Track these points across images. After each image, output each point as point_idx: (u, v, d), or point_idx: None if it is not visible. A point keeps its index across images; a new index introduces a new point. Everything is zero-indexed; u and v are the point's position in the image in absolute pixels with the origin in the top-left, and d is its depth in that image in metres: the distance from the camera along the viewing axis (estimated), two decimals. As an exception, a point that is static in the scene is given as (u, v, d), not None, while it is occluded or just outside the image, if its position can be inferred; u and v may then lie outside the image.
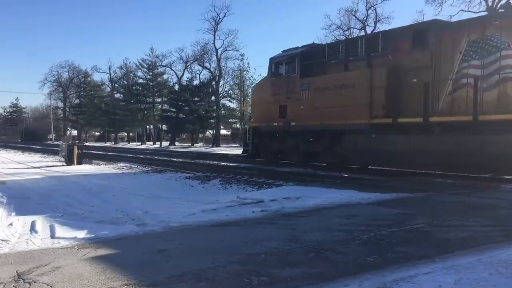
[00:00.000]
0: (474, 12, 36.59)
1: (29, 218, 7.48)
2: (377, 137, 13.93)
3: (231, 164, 18.79)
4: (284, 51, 18.30)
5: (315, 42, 16.29)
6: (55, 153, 28.16)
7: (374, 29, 42.71)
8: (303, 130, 16.58)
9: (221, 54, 55.76)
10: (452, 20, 21.77)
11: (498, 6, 34.73)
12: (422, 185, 11.00)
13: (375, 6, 43.27)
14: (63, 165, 21.23)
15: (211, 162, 21.13)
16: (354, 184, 11.39)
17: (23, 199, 10.37)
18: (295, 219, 6.91)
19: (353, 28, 45.35)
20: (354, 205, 8.05)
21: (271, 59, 18.56)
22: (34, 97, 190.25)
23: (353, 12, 44.71)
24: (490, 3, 35.41)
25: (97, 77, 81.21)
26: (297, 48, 17.91)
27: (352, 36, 41.84)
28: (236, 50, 55.36)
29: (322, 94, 15.63)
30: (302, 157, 17.05)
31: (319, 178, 13.39)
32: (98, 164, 22.20)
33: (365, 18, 44.19)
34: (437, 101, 12.48)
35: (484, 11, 36.39)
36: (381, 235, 5.53)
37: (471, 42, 11.84)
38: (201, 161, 22.03)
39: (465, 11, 36.88)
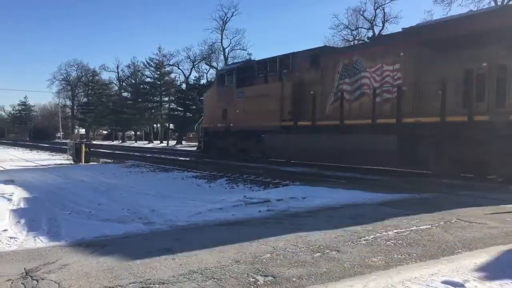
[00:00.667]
0: (483, 12, 36.37)
1: (36, 217, 7.54)
2: (284, 136, 17.88)
3: (238, 163, 18.87)
4: (227, 65, 23.01)
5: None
6: (63, 151, 28.35)
7: (382, 29, 42.64)
8: (238, 130, 20.68)
9: (228, 53, 56.07)
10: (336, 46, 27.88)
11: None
12: (429, 186, 10.95)
13: (383, 6, 43.23)
14: (71, 163, 21.37)
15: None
16: (360, 184, 11.39)
17: (30, 197, 10.45)
18: (302, 219, 6.92)
19: (361, 27, 45.29)
20: (360, 205, 8.05)
21: (216, 71, 24.15)
22: (43, 95, 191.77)
23: (361, 12, 44.69)
24: (499, 3, 35.24)
25: (105, 76, 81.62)
26: (236, 63, 22.74)
27: (358, 37, 41.80)
28: (244, 49, 55.74)
29: (251, 102, 19.73)
30: (239, 151, 21.13)
31: (326, 178, 13.39)
32: (105, 162, 22.32)
33: (373, 18, 44.14)
34: (324, 109, 16.41)
35: (493, 11, 36.19)
36: (387, 236, 5.53)
37: (344, 65, 15.83)
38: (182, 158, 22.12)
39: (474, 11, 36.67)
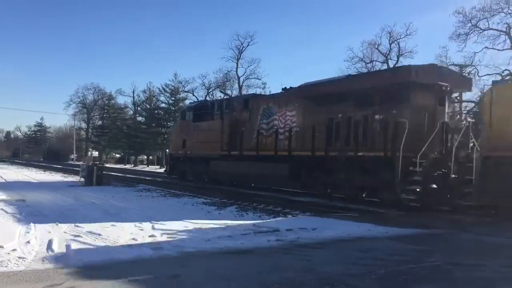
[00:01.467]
0: (498, 50, 36.57)
1: (46, 237, 7.56)
2: (223, 162, 22.09)
3: (246, 191, 18.96)
4: (190, 103, 29.83)
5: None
6: (76, 173, 28.52)
7: (396, 62, 42.83)
8: (193, 156, 25.02)
9: (243, 82, 56.55)
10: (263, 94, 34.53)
11: None
12: (440, 221, 10.80)
13: (398, 40, 43.49)
14: (82, 185, 21.48)
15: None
16: (371, 217, 11.26)
17: (41, 217, 10.49)
18: (311, 250, 6.84)
19: (376, 61, 45.55)
20: (370, 239, 7.94)
21: (180, 108, 30.44)
22: (59, 117, 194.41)
23: (376, 46, 44.97)
24: (508, 43, 35.34)
25: (120, 100, 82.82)
26: (194, 102, 29.83)
27: (373, 70, 41.99)
28: (258, 79, 56.17)
29: (202, 134, 24.18)
30: (194, 175, 25.45)
31: (336, 210, 13.27)
32: (117, 185, 22.40)
33: (388, 52, 44.40)
34: (250, 142, 20.37)
35: (509, 48, 36.30)
36: (398, 271, 5.44)
37: (264, 109, 20.23)
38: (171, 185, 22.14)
39: (490, 48, 36.82)
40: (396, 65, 40.24)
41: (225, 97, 25.18)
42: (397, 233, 8.56)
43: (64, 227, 8.95)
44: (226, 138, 21.99)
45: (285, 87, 19.91)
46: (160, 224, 9.40)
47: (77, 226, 9.05)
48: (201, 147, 23.98)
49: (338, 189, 16.37)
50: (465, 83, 15.96)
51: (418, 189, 12.88)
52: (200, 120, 24.71)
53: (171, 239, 7.68)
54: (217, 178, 23.28)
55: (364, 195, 15.43)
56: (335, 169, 16.04)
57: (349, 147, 15.37)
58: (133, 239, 7.68)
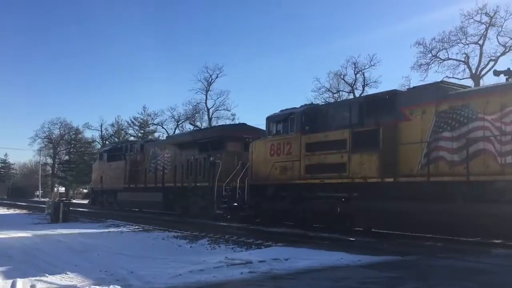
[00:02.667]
0: (458, 79, 38.00)
1: (10, 278, 7.25)
2: (126, 193, 29.43)
3: (219, 223, 18.80)
4: (105, 147, 36.74)
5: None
6: (41, 210, 27.69)
7: (362, 92, 43.91)
8: (107, 189, 32.56)
9: (212, 114, 56.80)
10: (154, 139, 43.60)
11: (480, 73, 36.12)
12: (412, 248, 10.91)
13: (363, 71, 44.65)
14: (48, 223, 20.85)
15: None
16: (344, 246, 11.27)
17: (5, 257, 10.08)
18: (284, 281, 6.78)
19: (342, 91, 46.53)
20: (343, 267, 7.94)
21: (100, 151, 39.31)
22: (24, 153, 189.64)
23: (342, 76, 46.01)
24: (473, 71, 36.82)
25: (88, 134, 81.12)
26: (109, 145, 38.96)
27: (340, 99, 42.85)
28: (228, 110, 56.50)
29: (112, 171, 31.68)
30: (108, 203, 32.45)
31: (309, 239, 13.26)
32: (84, 221, 21.84)
33: (353, 82, 45.46)
34: (143, 178, 27.28)
35: (468, 78, 37.77)
36: (371, 299, 5.43)
37: (153, 151, 27.70)
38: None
39: (450, 77, 38.20)
40: (361, 94, 41.28)
41: (129, 141, 33.02)
42: (369, 261, 8.58)
43: (29, 266, 8.63)
44: (127, 174, 29.00)
45: (168, 135, 29.66)
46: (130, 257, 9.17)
47: (43, 266, 8.74)
48: (112, 182, 31.23)
49: (190, 210, 23.31)
50: (260, 134, 20.13)
51: (224, 206, 18.99)
52: (112, 161, 32.08)
53: (140, 275, 7.49)
54: (122, 205, 30.11)
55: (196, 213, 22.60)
56: (188, 195, 23.38)
57: (195, 179, 22.61)
58: (101, 277, 7.45)
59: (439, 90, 13.05)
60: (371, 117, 13.99)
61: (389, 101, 13.86)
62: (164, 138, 33.24)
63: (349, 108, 15.33)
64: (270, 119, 17.92)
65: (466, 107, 11.93)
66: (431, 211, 11.98)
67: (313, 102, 21.18)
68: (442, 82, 15.03)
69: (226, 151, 21.24)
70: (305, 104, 17.83)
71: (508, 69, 12.86)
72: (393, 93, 14.10)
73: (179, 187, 23.58)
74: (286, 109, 17.44)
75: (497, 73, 13.52)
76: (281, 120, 17.13)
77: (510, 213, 10.21)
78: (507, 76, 12.91)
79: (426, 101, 12.84)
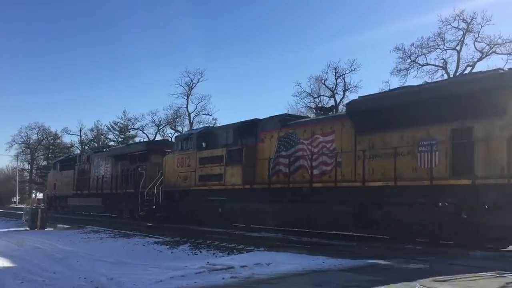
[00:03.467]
0: (436, 83, 38.46)
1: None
2: (75, 199, 32.83)
3: (201, 228, 18.71)
4: (59, 158, 44.12)
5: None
6: (19, 216, 27.19)
7: (343, 97, 44.23)
8: (60, 195, 36.12)
9: (193, 118, 56.46)
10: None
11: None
12: (392, 251, 11.00)
13: (343, 76, 44.87)
14: (26, 230, 20.46)
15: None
16: (325, 250, 11.31)
17: (-19, 265, 9.85)
18: (266, 286, 6.76)
19: (323, 95, 46.76)
20: (325, 272, 7.95)
21: (54, 161, 45.69)
22: (0, 158, 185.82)
23: (323, 81, 46.21)
24: (451, 76, 37.37)
25: (67, 139, 79.88)
26: (62, 156, 45.41)
27: (321, 104, 43.10)
28: (209, 115, 56.28)
29: (64, 179, 35.19)
30: (61, 208, 35.62)
31: (291, 244, 13.27)
32: (63, 228, 21.50)
33: (334, 87, 45.70)
34: (88, 185, 31.06)
35: (446, 82, 38.28)
36: (353, 303, 5.44)
37: (96, 162, 30.77)
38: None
39: (429, 82, 38.68)
40: (342, 99, 41.64)
41: (77, 153, 38.50)
42: (351, 265, 8.61)
43: (5, 274, 8.45)
44: (76, 182, 32.68)
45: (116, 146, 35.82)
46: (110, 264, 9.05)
47: (20, 273, 8.56)
48: (63, 189, 34.95)
49: (124, 212, 27.06)
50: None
51: (146, 209, 23.30)
52: (64, 169, 35.71)
53: (120, 282, 7.38)
54: (73, 210, 33.59)
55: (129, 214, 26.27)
56: (121, 200, 27.03)
57: (128, 186, 26.04)
58: (80, 284, 7.33)
59: (282, 120, 17.56)
60: (239, 139, 18.49)
61: (252, 127, 18.40)
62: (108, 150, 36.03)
63: (226, 131, 19.71)
64: (177, 138, 24.31)
65: (294, 134, 16.55)
66: (271, 210, 16.60)
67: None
68: (286, 114, 20.26)
69: (150, 162, 25.17)
70: (204, 127, 27.60)
71: (332, 106, 20.22)
72: (255, 122, 18.64)
73: (114, 193, 27.74)
74: (189, 130, 22.91)
75: (318, 109, 21.73)
76: (185, 139, 21.79)
77: (316, 210, 15.08)
78: (322, 112, 18.94)
79: (273, 128, 17.46)
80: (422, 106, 12.39)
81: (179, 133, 20.17)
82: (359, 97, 15.31)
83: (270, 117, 18.29)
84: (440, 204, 11.98)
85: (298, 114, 26.68)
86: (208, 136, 20.98)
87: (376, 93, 16.06)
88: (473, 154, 11.30)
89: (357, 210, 13.89)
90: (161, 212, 22.59)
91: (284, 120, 17.63)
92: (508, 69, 12.64)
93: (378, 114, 13.52)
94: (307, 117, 21.74)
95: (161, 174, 22.77)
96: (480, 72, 13.34)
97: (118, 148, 33.69)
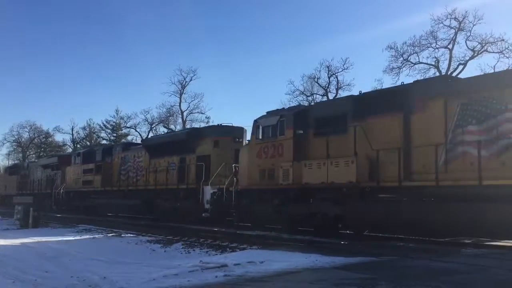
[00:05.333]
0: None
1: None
2: (18, 197, 31.00)
3: (193, 227, 18.67)
4: (11, 165, 50.87)
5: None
6: (10, 215, 27.02)
7: (336, 95, 44.22)
8: (7, 194, 41.91)
9: (186, 117, 56.30)
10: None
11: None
12: (386, 249, 11.04)
13: (336, 74, 44.92)
14: (17, 228, 20.34)
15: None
16: (318, 248, 11.33)
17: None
18: (259, 284, 6.76)
19: (316, 94, 46.79)
20: (318, 269, 7.97)
21: (4, 168, 55.87)
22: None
23: (316, 79, 46.24)
24: (443, 71, 37.54)
25: (59, 137, 79.31)
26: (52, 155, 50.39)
27: (314, 102, 43.12)
28: (202, 113, 56.12)
29: (11, 182, 42.77)
30: (8, 204, 37.74)
31: (284, 242, 13.27)
32: (55, 227, 21.40)
33: (327, 85, 45.75)
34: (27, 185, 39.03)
35: (439, 81, 38.45)
36: (346, 301, 5.46)
37: (33, 169, 39.85)
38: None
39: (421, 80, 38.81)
40: (335, 96, 41.68)
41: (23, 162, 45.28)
42: (343, 263, 8.64)
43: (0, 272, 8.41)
44: (18, 184, 40.13)
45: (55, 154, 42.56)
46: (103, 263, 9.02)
47: (12, 272, 8.51)
48: (11, 189, 42.06)
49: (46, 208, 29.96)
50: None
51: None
52: (11, 175, 44.67)
53: (113, 281, 7.36)
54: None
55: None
56: (45, 198, 33.41)
57: (46, 188, 34.89)
58: (73, 283, 7.30)
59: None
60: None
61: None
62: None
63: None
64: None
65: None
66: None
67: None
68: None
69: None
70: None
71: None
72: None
73: (36, 193, 34.24)
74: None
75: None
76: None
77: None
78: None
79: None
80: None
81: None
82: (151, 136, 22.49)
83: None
84: None
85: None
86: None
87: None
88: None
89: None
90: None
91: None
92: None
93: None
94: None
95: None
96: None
97: (44, 159, 41.23)
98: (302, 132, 15.55)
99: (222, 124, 22.18)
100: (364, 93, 15.06)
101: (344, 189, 13.82)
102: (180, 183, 22.31)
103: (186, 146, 22.51)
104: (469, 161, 10.93)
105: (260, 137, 17.13)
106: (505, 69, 17.52)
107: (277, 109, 17.42)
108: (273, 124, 16.58)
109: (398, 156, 12.26)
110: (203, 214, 19.80)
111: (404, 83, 14.44)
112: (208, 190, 19.67)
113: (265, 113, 17.53)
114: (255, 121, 17.60)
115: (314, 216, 14.76)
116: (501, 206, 10.15)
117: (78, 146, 71.49)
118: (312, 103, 40.23)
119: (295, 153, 15.49)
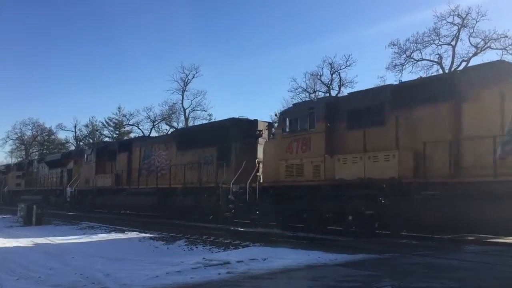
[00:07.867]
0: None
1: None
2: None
3: (195, 224, 18.66)
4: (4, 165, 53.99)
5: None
6: (14, 212, 27.11)
7: (338, 92, 44.15)
8: (9, 190, 44.01)
9: (189, 114, 56.30)
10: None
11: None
12: (388, 246, 11.04)
13: (339, 71, 44.83)
14: (21, 226, 20.40)
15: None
16: (321, 245, 11.34)
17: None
18: (262, 281, 6.77)
19: (319, 91, 46.71)
20: (321, 266, 7.98)
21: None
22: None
23: (319, 76, 46.15)
24: (446, 71, 37.43)
25: (62, 135, 79.50)
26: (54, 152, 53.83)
27: (315, 98, 43.02)
28: (204, 110, 56.08)
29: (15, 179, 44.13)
30: (8, 199, 42.87)
31: (287, 239, 13.29)
32: (58, 224, 21.46)
33: (329, 82, 45.66)
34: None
35: (441, 78, 38.33)
36: (348, 297, 5.47)
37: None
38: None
39: (424, 77, 38.69)
40: (338, 95, 41.63)
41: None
42: (346, 260, 8.65)
43: (1, 270, 8.43)
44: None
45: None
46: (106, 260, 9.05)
47: (16, 269, 8.55)
48: (15, 186, 43.97)
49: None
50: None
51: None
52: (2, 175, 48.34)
53: (116, 278, 7.39)
54: (15, 201, 35.63)
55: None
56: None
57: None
58: (76, 280, 7.33)
59: None
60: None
61: None
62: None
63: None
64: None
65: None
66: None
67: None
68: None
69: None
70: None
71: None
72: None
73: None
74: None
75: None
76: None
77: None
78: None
79: None
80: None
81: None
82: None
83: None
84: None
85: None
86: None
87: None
88: None
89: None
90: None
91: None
92: None
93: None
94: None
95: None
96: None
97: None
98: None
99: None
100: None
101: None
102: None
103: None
104: None
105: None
106: None
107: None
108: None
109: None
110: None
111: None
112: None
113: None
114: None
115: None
116: None
117: (81, 143, 71.67)
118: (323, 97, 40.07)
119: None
